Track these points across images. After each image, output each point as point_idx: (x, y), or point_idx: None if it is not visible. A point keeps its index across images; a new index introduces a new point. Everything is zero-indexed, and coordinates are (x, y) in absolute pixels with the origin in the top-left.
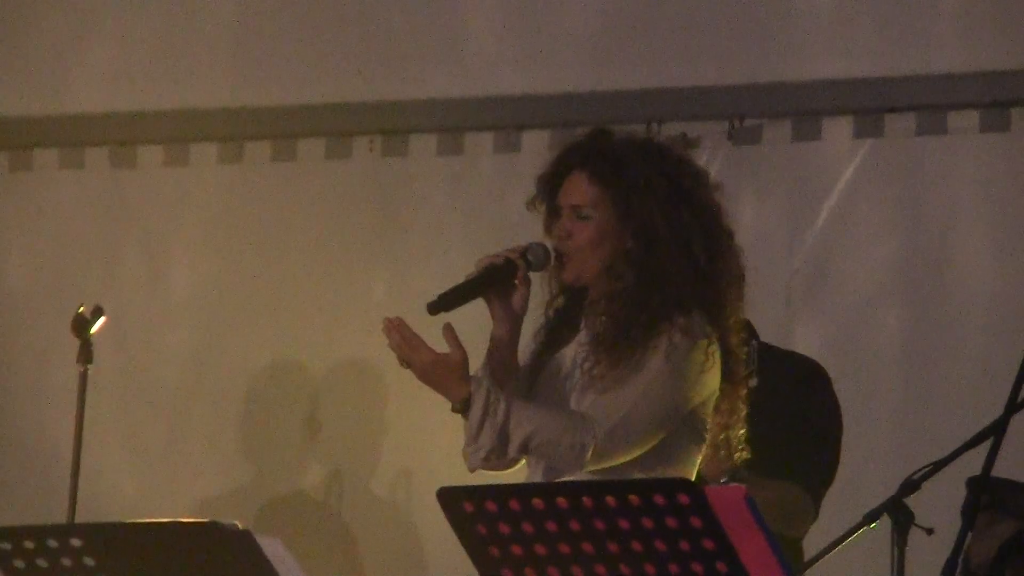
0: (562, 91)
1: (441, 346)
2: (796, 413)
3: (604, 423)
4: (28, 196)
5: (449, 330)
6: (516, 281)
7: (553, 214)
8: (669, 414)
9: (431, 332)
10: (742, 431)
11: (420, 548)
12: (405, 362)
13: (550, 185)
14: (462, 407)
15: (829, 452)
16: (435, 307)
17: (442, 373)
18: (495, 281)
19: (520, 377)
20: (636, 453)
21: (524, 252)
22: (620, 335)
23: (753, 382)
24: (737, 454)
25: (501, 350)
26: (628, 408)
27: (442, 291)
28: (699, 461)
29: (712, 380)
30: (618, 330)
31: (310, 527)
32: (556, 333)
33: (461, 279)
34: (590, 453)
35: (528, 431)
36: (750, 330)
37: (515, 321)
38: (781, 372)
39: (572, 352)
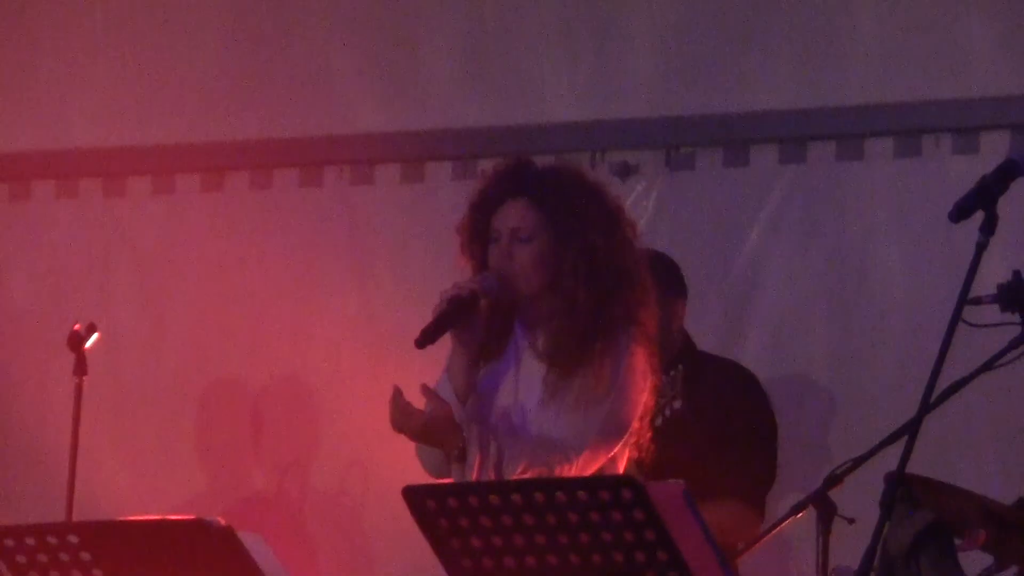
0: (514, 123)
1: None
2: (735, 419)
3: (583, 442)
4: (27, 224)
5: (427, 390)
6: (477, 309)
7: (482, 239)
8: (630, 422)
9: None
10: (649, 434)
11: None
12: (397, 427)
13: (484, 211)
14: (459, 454)
15: (768, 455)
16: (422, 342)
17: (435, 431)
18: (462, 311)
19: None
20: (608, 457)
21: (482, 283)
22: (579, 345)
23: (677, 404)
24: (642, 454)
25: (466, 370)
26: (601, 423)
27: (423, 328)
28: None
29: (648, 386)
30: (577, 341)
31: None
32: (485, 347)
33: (431, 314)
34: (573, 471)
35: (521, 465)
36: (687, 341)
37: (477, 344)
38: (718, 380)
39: (515, 365)
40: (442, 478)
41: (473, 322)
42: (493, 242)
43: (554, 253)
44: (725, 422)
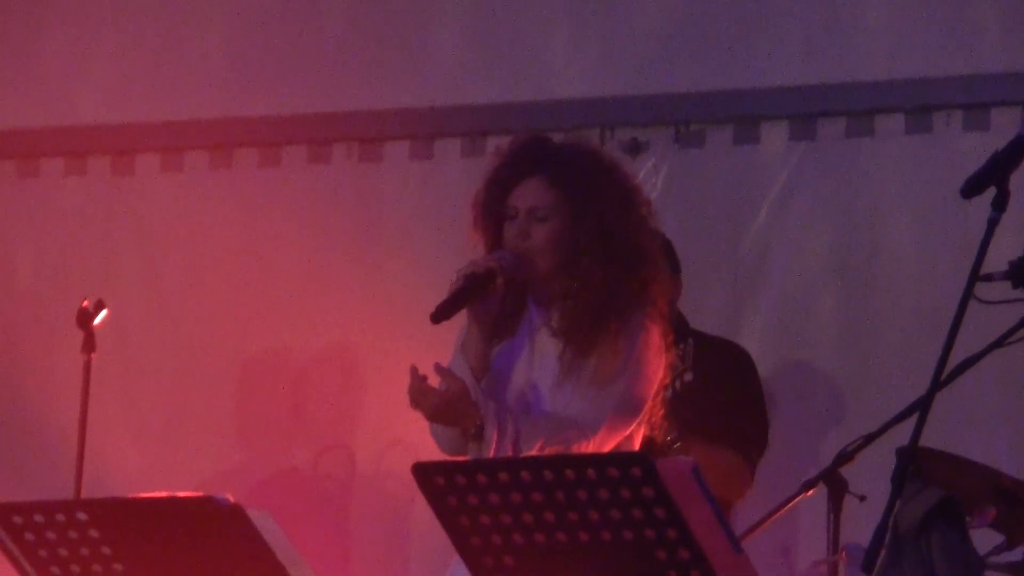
0: (523, 100)
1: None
2: (730, 394)
3: (599, 419)
4: (35, 201)
5: (440, 368)
6: (493, 286)
7: (497, 215)
8: (646, 400)
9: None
10: (661, 412)
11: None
12: (415, 405)
13: (502, 188)
14: (476, 432)
15: (761, 426)
16: (437, 317)
17: (452, 409)
18: (479, 288)
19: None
20: (624, 436)
21: (499, 260)
22: (594, 323)
23: (688, 376)
24: (657, 432)
25: (481, 348)
26: (617, 400)
27: (439, 303)
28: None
29: (663, 364)
30: (592, 319)
31: (298, 500)
32: (500, 325)
33: (447, 290)
34: (590, 449)
35: (538, 443)
36: (683, 323)
37: (493, 322)
38: (713, 357)
39: (530, 343)
40: (458, 457)
41: (489, 299)
42: (509, 219)
43: (570, 232)
44: (723, 391)
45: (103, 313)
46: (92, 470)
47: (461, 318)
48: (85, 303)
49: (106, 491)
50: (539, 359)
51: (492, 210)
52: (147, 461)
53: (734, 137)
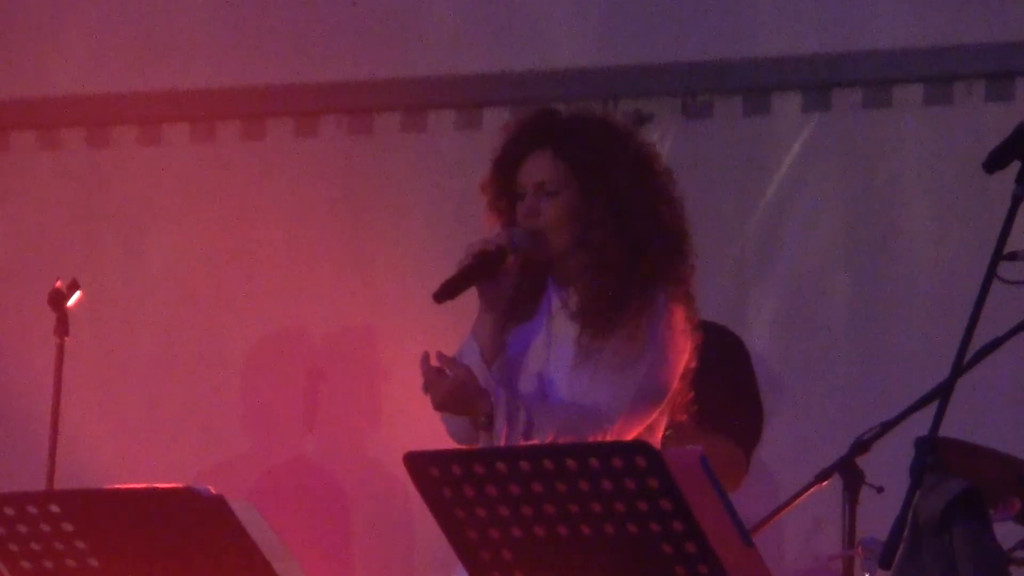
0: (521, 69)
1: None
2: (723, 381)
3: (618, 407)
4: (7, 176)
5: (443, 356)
6: (504, 265)
7: (508, 195)
8: (669, 385)
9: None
10: (690, 395)
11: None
12: (425, 391)
13: (509, 166)
14: (486, 421)
15: (756, 415)
16: (441, 296)
17: (459, 397)
18: (488, 267)
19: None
20: (646, 424)
21: (511, 238)
22: (613, 304)
23: (692, 364)
24: (682, 415)
25: (492, 330)
26: (638, 387)
27: (443, 281)
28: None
29: (689, 347)
30: (610, 299)
31: (289, 496)
32: (515, 307)
33: (455, 268)
34: (608, 439)
35: (551, 433)
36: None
37: (505, 303)
38: (704, 344)
39: (547, 326)
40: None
41: (500, 279)
42: (520, 198)
43: (582, 205)
44: (716, 379)
45: (77, 294)
46: (65, 460)
47: (470, 300)
48: (58, 283)
49: (80, 482)
50: (556, 343)
51: (503, 190)
52: (124, 451)
53: (744, 109)
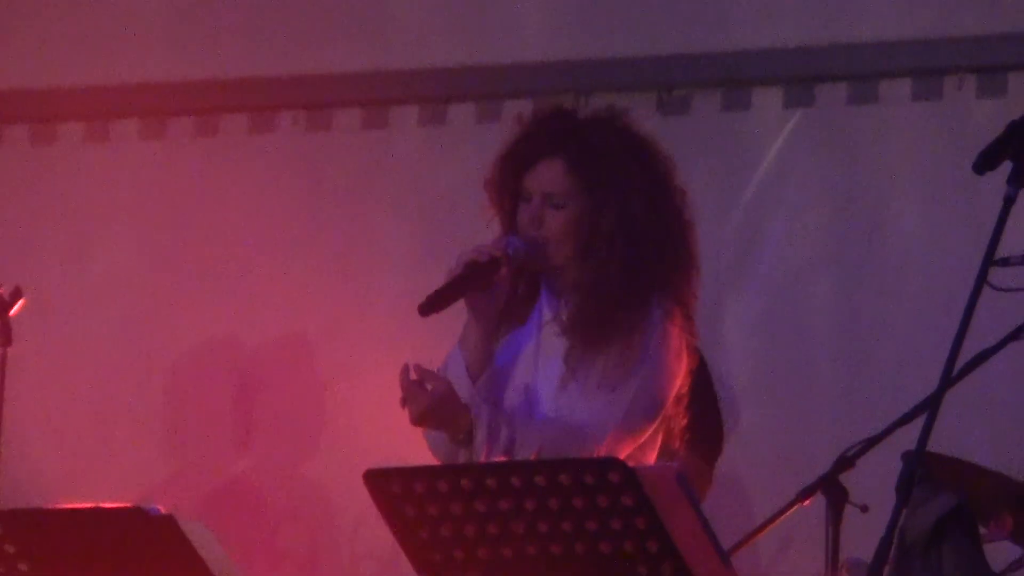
0: (488, 63)
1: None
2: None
3: (605, 426)
4: None
5: (420, 368)
6: (496, 277)
7: (513, 194)
8: (660, 406)
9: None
10: (684, 421)
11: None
12: (403, 405)
13: (517, 167)
14: (464, 438)
15: (717, 426)
16: (426, 309)
17: (438, 412)
18: (479, 278)
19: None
20: (636, 445)
21: (507, 247)
22: (605, 320)
23: None
24: (676, 442)
25: (480, 344)
26: (627, 406)
27: (430, 292)
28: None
29: (683, 369)
30: (603, 315)
31: (237, 509)
32: (507, 315)
33: (443, 279)
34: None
35: (534, 452)
36: None
37: (495, 315)
38: None
39: (536, 338)
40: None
41: (491, 291)
42: (524, 201)
43: (589, 221)
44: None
45: (20, 301)
46: (7, 477)
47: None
48: (0, 290)
49: (23, 500)
50: (544, 357)
51: (507, 190)
52: (69, 467)
53: (722, 103)
